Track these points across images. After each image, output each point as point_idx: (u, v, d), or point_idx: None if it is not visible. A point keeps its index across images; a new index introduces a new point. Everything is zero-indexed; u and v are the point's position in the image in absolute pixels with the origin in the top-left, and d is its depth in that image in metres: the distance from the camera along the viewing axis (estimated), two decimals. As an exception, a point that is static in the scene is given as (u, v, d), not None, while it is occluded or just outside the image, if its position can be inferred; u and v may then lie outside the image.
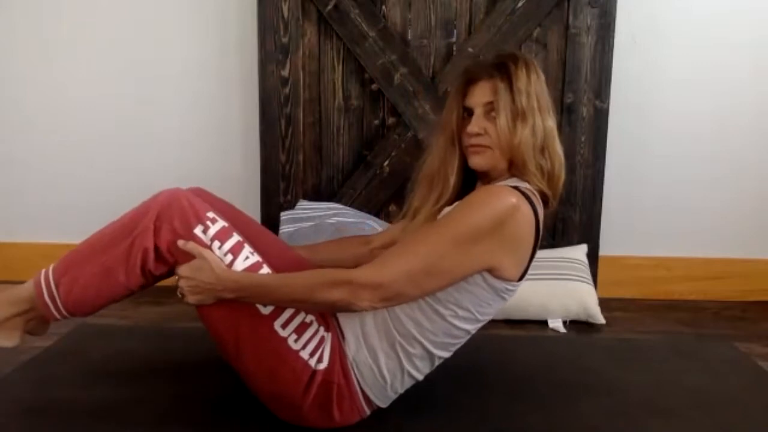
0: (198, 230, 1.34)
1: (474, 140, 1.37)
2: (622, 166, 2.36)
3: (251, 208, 2.33)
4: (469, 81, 1.40)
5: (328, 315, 1.39)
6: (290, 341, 1.34)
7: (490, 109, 1.36)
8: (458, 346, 1.42)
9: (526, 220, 1.30)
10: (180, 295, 1.35)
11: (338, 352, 1.37)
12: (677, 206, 2.42)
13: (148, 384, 1.63)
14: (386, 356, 1.37)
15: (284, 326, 1.34)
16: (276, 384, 1.36)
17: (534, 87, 1.35)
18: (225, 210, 1.47)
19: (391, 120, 2.30)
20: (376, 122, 2.31)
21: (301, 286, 1.29)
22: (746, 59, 2.33)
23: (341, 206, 2.25)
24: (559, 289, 2.09)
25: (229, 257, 1.34)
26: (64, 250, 2.55)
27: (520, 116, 1.33)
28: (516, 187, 1.31)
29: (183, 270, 1.33)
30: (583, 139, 2.25)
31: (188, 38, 2.40)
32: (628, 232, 2.42)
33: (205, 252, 1.32)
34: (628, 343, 1.97)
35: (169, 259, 1.36)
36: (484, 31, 2.22)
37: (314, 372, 1.35)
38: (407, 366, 1.38)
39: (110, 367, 1.73)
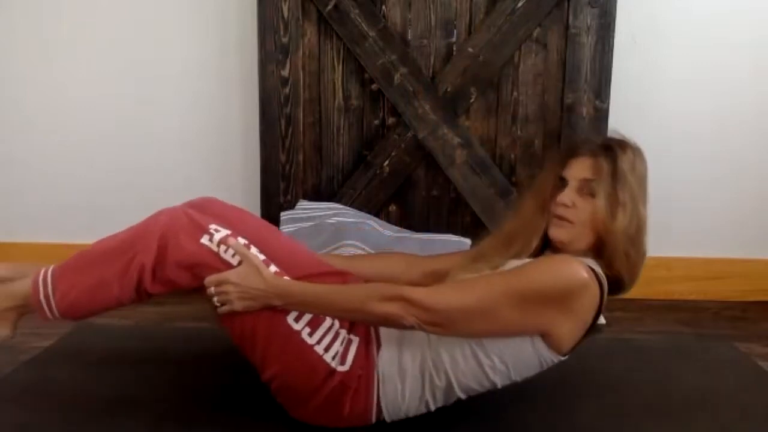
0: (204, 240, 1.37)
1: (561, 211, 1.38)
2: (622, 166, 2.36)
3: (251, 208, 2.33)
4: (571, 153, 1.42)
5: (366, 332, 1.40)
6: (304, 334, 1.35)
7: (586, 186, 1.36)
8: (478, 393, 1.42)
9: (591, 301, 1.31)
10: (219, 304, 1.36)
11: (365, 359, 1.38)
12: (677, 206, 2.41)
13: (148, 384, 1.64)
14: (413, 379, 1.38)
15: (297, 320, 1.36)
16: (289, 375, 1.37)
17: (637, 176, 1.37)
18: (234, 218, 1.48)
19: (391, 120, 2.30)
20: (376, 122, 2.31)
21: (353, 296, 1.32)
22: (746, 59, 2.33)
23: (341, 206, 2.25)
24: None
25: (237, 258, 1.36)
26: (64, 250, 2.54)
27: (621, 205, 1.34)
28: (591, 268, 1.32)
29: (231, 276, 1.34)
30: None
31: (188, 38, 2.40)
32: (628, 232, 2.41)
33: (252, 256, 1.35)
34: (628, 343, 1.97)
35: (178, 280, 1.38)
36: (484, 31, 2.22)
37: (332, 372, 1.36)
38: (427, 395, 1.39)
39: (110, 367, 1.73)
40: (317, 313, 1.36)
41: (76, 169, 2.49)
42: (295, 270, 1.42)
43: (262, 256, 1.39)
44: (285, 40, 2.24)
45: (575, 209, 1.37)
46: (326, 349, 1.36)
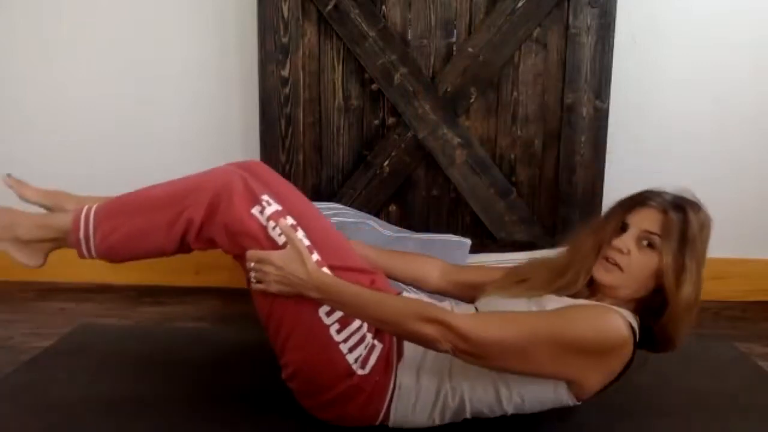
0: (255, 210, 1.36)
1: (614, 255, 1.36)
2: (622, 166, 2.36)
3: (251, 208, 2.33)
4: (640, 201, 1.40)
5: (390, 341, 1.39)
6: (332, 330, 1.35)
7: (647, 238, 1.35)
8: (484, 417, 1.42)
9: (625, 357, 1.33)
10: (254, 281, 1.35)
11: (385, 367, 1.38)
12: (677, 206, 2.41)
13: (148, 384, 1.63)
14: (427, 395, 1.38)
15: (329, 314, 1.35)
16: (307, 366, 1.37)
17: (703, 242, 1.38)
18: (282, 191, 1.47)
19: (391, 120, 2.30)
20: (376, 122, 2.31)
21: (394, 309, 1.29)
22: (746, 59, 2.33)
23: (341, 206, 2.25)
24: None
25: (282, 239, 1.35)
26: (64, 250, 2.54)
27: (687, 272, 1.33)
28: (630, 323, 1.32)
29: (274, 258, 1.32)
30: (583, 139, 2.25)
31: (188, 38, 2.40)
32: (628, 232, 2.41)
33: (298, 242, 1.33)
34: (628, 343, 1.97)
35: (219, 240, 1.37)
36: (484, 31, 2.22)
37: (352, 373, 1.36)
38: (437, 412, 1.39)
39: (110, 367, 1.73)
40: (350, 314, 1.34)
41: (76, 169, 2.49)
42: (334, 260, 1.40)
43: (307, 242, 1.37)
44: (285, 40, 2.24)
45: (628, 257, 1.35)
46: (351, 350, 1.36)
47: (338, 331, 1.36)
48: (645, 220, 1.37)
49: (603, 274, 1.38)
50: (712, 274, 2.42)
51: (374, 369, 1.37)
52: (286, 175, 2.30)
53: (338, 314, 1.36)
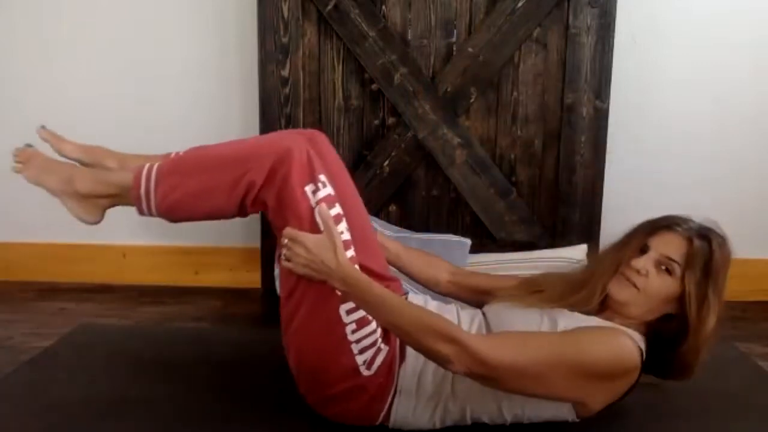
0: (309, 189, 1.35)
1: (630, 274, 1.38)
2: (622, 166, 2.36)
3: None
4: (664, 226, 1.40)
5: (395, 344, 1.39)
6: (348, 329, 1.35)
7: (667, 263, 1.36)
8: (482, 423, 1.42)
9: (631, 381, 1.35)
10: (284, 258, 1.34)
11: (388, 369, 1.38)
12: (677, 206, 2.39)
13: (149, 384, 1.63)
14: (426, 399, 1.38)
15: (349, 312, 1.35)
16: (316, 358, 1.37)
17: (725, 274, 1.37)
18: (336, 172, 1.45)
19: (391, 120, 2.30)
20: (376, 122, 2.31)
21: (414, 319, 1.27)
22: (746, 59, 2.33)
23: (341, 206, 2.25)
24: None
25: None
26: (64, 250, 2.55)
27: (710, 305, 1.33)
28: (640, 348, 1.33)
29: (307, 241, 1.31)
30: (583, 139, 2.25)
31: (188, 38, 2.40)
32: (628, 232, 2.41)
33: (335, 234, 1.31)
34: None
35: (270, 204, 1.36)
36: (484, 31, 2.22)
37: (358, 373, 1.36)
38: (437, 416, 1.40)
39: (110, 367, 1.73)
40: (369, 313, 1.33)
41: (76, 169, 2.49)
42: (365, 260, 1.40)
43: (347, 236, 1.36)
44: (285, 40, 2.24)
45: (645, 278, 1.36)
46: (361, 351, 1.36)
47: (353, 331, 1.36)
48: (667, 245, 1.37)
49: (618, 290, 1.38)
50: (712, 274, 2.42)
51: (378, 371, 1.37)
52: (286, 175, 2.30)
53: (358, 314, 1.35)
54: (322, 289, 1.34)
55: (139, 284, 2.48)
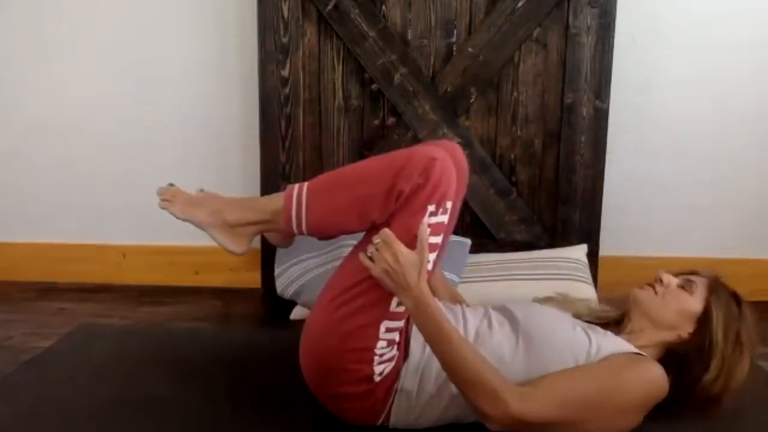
0: (431, 207, 1.33)
1: (654, 283, 1.50)
2: (622, 166, 2.36)
3: (251, 208, 2.33)
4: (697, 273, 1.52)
5: (404, 344, 1.41)
6: (379, 345, 1.35)
7: (688, 284, 1.47)
8: None
9: (655, 404, 1.38)
10: (367, 254, 1.33)
11: (395, 373, 1.39)
12: (677, 206, 2.41)
13: (149, 384, 1.63)
14: (429, 396, 1.39)
15: (388, 330, 1.36)
16: (337, 357, 1.36)
17: (753, 321, 1.45)
18: (456, 202, 1.45)
19: (391, 120, 2.30)
20: (376, 122, 2.31)
21: (471, 367, 1.27)
22: (746, 59, 2.33)
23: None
24: (560, 290, 2.08)
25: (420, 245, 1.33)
26: (64, 250, 2.55)
27: (736, 331, 1.42)
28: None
29: (400, 252, 1.30)
30: (583, 139, 2.25)
31: (188, 38, 2.40)
32: (628, 232, 2.41)
33: (426, 255, 1.32)
34: (628, 343, 1.97)
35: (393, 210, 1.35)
36: (484, 31, 2.22)
37: (370, 380, 1.37)
38: (437, 413, 1.40)
39: (110, 367, 1.73)
40: (427, 340, 1.32)
41: (76, 169, 2.49)
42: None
43: (430, 267, 1.37)
44: (285, 40, 2.24)
45: (665, 289, 1.47)
46: (380, 363, 1.36)
47: (382, 347, 1.36)
48: (695, 277, 1.49)
49: (641, 292, 1.49)
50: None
51: (388, 376, 1.38)
52: (286, 176, 2.31)
53: (393, 335, 1.36)
54: (380, 299, 1.34)
55: (139, 284, 2.48)
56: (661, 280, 1.48)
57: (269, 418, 1.49)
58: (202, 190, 1.52)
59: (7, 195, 2.53)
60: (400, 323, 1.38)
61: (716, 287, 1.45)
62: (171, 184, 1.53)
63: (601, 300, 1.58)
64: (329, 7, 2.21)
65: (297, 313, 2.10)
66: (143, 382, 1.64)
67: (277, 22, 2.23)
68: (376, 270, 1.31)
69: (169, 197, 1.49)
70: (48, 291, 2.43)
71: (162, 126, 2.45)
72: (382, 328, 1.35)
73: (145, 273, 2.49)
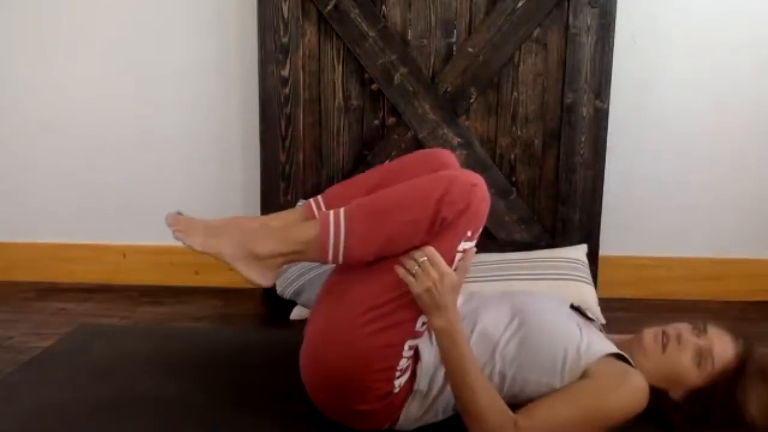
0: (468, 233, 1.32)
1: (670, 334, 1.43)
2: (622, 166, 2.36)
3: (251, 207, 2.33)
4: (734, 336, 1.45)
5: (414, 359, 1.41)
6: (400, 363, 1.34)
7: (705, 359, 1.39)
8: None
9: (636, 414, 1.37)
10: (410, 274, 1.28)
11: (410, 382, 1.40)
12: (677, 206, 2.41)
13: (148, 384, 1.63)
14: (437, 395, 1.40)
15: (410, 348, 1.35)
16: (359, 368, 1.33)
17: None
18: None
19: (391, 120, 2.30)
20: (376, 122, 2.31)
21: (479, 397, 1.30)
22: (746, 59, 2.33)
23: (341, 206, 2.25)
24: (559, 290, 2.08)
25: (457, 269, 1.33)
26: (64, 250, 2.55)
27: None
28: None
29: (444, 272, 1.28)
30: (583, 139, 2.25)
31: (188, 38, 2.40)
32: (628, 232, 2.41)
33: (462, 277, 1.33)
34: (628, 343, 1.97)
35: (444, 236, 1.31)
36: (484, 31, 2.22)
37: (390, 396, 1.36)
38: (441, 406, 1.42)
39: (110, 367, 1.73)
40: (444, 362, 1.33)
41: (75, 169, 2.49)
42: None
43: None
44: (285, 40, 2.24)
45: (677, 350, 1.41)
46: (399, 377, 1.36)
47: (403, 364, 1.36)
48: (721, 343, 1.41)
49: (649, 336, 1.45)
50: (712, 274, 2.43)
51: (405, 386, 1.39)
52: (286, 176, 2.31)
53: (411, 352, 1.36)
54: (410, 318, 1.33)
55: (139, 284, 2.48)
56: (678, 339, 1.41)
57: (269, 418, 1.49)
58: (179, 213, 1.41)
59: (7, 195, 2.53)
60: (418, 340, 1.37)
61: (742, 369, 1.38)
62: (179, 213, 1.42)
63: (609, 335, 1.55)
64: (329, 7, 2.21)
65: (297, 313, 2.10)
66: (143, 382, 1.64)
67: (277, 22, 2.23)
68: (417, 288, 1.27)
69: (182, 228, 1.39)
70: (48, 291, 2.43)
71: (162, 126, 2.45)
72: (406, 347, 1.34)
73: (145, 273, 2.49)
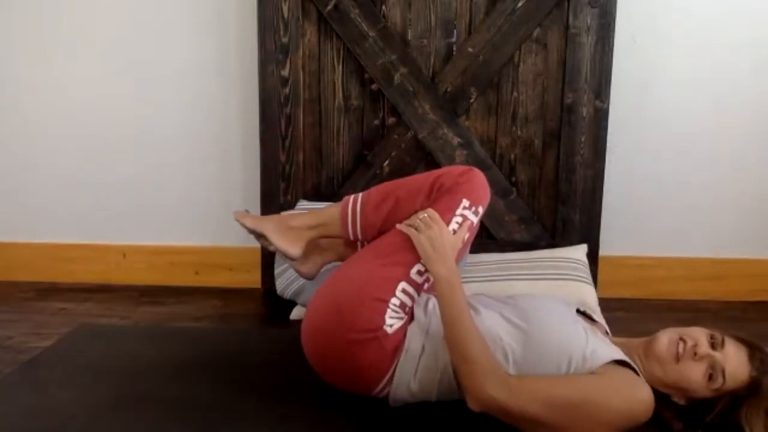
0: (466, 202, 1.51)
1: (687, 344, 1.39)
2: (622, 166, 2.36)
3: (251, 207, 2.33)
4: (751, 347, 1.42)
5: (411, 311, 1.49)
6: (392, 301, 1.44)
7: (717, 376, 1.36)
8: None
9: (638, 425, 1.36)
10: (414, 226, 1.47)
11: (402, 333, 1.45)
12: (677, 206, 2.41)
13: (148, 384, 1.63)
14: (430, 360, 1.43)
15: (404, 292, 1.45)
16: (352, 300, 1.42)
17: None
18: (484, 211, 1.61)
19: (391, 120, 2.30)
20: (376, 122, 2.31)
21: (474, 345, 1.35)
22: (746, 59, 2.33)
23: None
24: (559, 290, 2.08)
25: (453, 228, 1.50)
26: (64, 250, 2.55)
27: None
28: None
29: (444, 231, 1.45)
30: (583, 139, 2.25)
31: (188, 38, 2.40)
32: (628, 232, 2.42)
33: (460, 242, 1.49)
34: (628, 343, 1.97)
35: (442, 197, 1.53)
36: (484, 31, 2.22)
37: (380, 329, 1.41)
38: (436, 385, 1.44)
39: (110, 367, 1.73)
40: (441, 308, 1.41)
41: (75, 169, 2.50)
42: None
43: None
44: (285, 40, 2.24)
45: (691, 360, 1.38)
46: (391, 317, 1.42)
47: (395, 305, 1.44)
48: (736, 361, 1.38)
49: (663, 341, 1.42)
50: (712, 274, 2.43)
51: (396, 332, 1.43)
52: (286, 176, 2.31)
53: (406, 298, 1.46)
54: (406, 261, 1.46)
55: (139, 284, 2.48)
56: (695, 352, 1.38)
57: (269, 418, 1.49)
58: (247, 211, 1.72)
59: (7, 195, 2.53)
60: (414, 292, 1.48)
61: (753, 390, 1.36)
62: (246, 211, 1.73)
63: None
64: (329, 7, 2.21)
65: (297, 313, 2.10)
66: (143, 382, 1.64)
67: (277, 22, 2.23)
68: (420, 237, 1.44)
69: (240, 217, 1.68)
70: (48, 291, 2.43)
71: (162, 126, 2.45)
72: (399, 287, 1.45)
73: (145, 273, 2.50)
